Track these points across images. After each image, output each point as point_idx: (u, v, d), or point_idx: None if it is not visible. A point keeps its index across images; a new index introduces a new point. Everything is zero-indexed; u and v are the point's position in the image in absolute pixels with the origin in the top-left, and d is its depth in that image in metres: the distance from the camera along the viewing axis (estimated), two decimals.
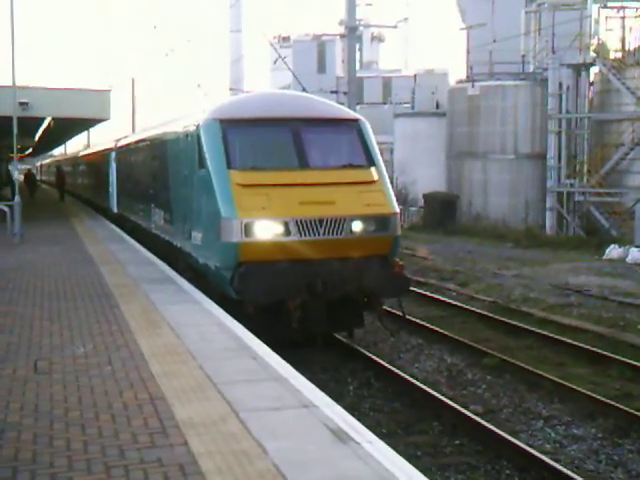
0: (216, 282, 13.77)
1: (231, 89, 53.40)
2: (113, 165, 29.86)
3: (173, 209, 16.99)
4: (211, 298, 12.84)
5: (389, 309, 16.21)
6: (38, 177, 74.28)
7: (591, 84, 38.50)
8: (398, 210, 13.91)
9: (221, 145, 13.52)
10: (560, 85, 37.38)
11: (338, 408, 7.16)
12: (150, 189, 20.33)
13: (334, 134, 14.40)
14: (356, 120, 14.64)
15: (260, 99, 15.42)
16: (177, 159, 16.38)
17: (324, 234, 12.95)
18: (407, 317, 15.54)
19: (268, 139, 13.86)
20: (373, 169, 13.94)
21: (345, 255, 13.17)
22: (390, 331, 15.33)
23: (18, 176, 27.77)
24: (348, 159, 14.18)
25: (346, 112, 15.37)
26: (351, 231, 13.13)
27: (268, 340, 9.91)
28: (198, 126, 14.23)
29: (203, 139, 13.87)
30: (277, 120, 13.94)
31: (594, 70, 38.16)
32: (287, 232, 12.80)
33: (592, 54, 37.16)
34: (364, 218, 13.25)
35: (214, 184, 13.25)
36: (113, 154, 29.90)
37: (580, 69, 37.36)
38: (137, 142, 23.61)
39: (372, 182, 13.76)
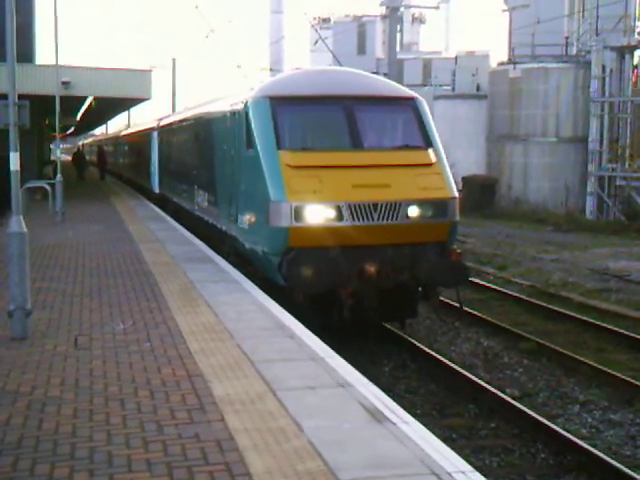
0: (263, 268, 13.28)
1: (271, 70, 53.40)
2: (155, 145, 29.76)
3: (218, 191, 16.44)
4: (257, 284, 12.46)
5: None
6: None
7: (635, 67, 37.96)
8: (457, 194, 13.16)
9: (270, 124, 12.92)
10: (603, 68, 36.86)
11: (374, 388, 7.19)
12: (194, 170, 19.88)
13: (389, 113, 13.78)
14: (412, 98, 13.91)
15: (311, 76, 14.59)
16: (223, 139, 15.82)
17: (378, 219, 12.37)
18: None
19: (320, 118, 13.31)
20: (430, 151, 13.27)
21: (400, 241, 12.60)
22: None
23: (60, 154, 27.92)
24: (404, 140, 13.55)
25: (402, 90, 14.46)
26: (407, 216, 12.54)
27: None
28: (246, 104, 13.64)
29: (252, 118, 13.28)
30: (329, 98, 13.32)
31: (638, 53, 37.62)
32: (339, 217, 12.22)
33: (637, 36, 36.61)
34: (421, 202, 12.63)
35: (263, 165, 12.67)
36: (155, 133, 29.80)
37: (624, 52, 36.81)
38: (181, 121, 23.18)
39: (429, 164, 13.09)
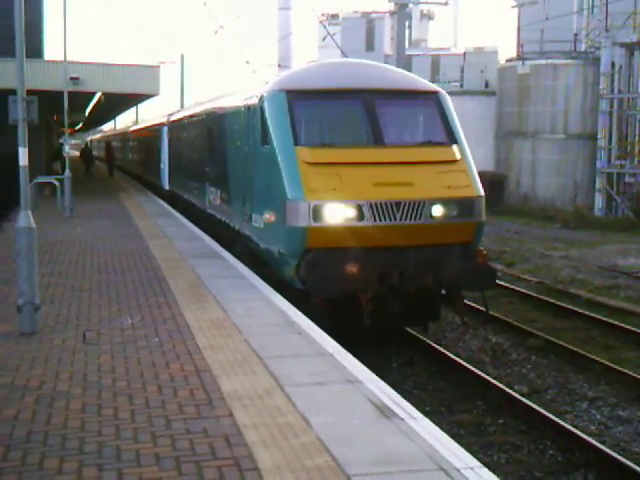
0: (279, 270, 12.63)
1: (279, 66, 53.37)
2: (165, 140, 29.34)
3: (231, 188, 15.83)
4: (272, 286, 11.97)
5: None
6: None
7: None
8: (483, 193, 12.48)
9: (287, 119, 12.31)
10: (612, 64, 36.78)
11: (382, 384, 7.18)
12: (206, 166, 19.27)
13: (412, 107, 13.18)
14: (436, 92, 13.26)
15: (330, 68, 13.86)
16: (237, 134, 15.22)
17: (401, 219, 11.72)
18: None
19: (339, 112, 12.71)
20: (455, 147, 12.66)
21: (423, 243, 11.97)
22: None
23: (69, 150, 27.95)
24: (427, 135, 12.97)
25: (424, 83, 13.72)
26: (431, 216, 11.89)
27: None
28: (261, 98, 13.04)
29: (267, 112, 12.68)
30: (349, 91, 12.71)
31: None
32: (360, 216, 11.59)
33: None
34: (445, 202, 11.99)
35: (279, 162, 12.05)
36: (165, 129, 29.43)
37: (633, 48, 36.69)
38: (192, 116, 22.68)
39: (454, 161, 12.47)
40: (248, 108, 14.12)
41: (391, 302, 12.00)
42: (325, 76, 13.23)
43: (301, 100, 12.53)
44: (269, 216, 12.72)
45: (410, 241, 11.94)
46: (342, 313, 12.06)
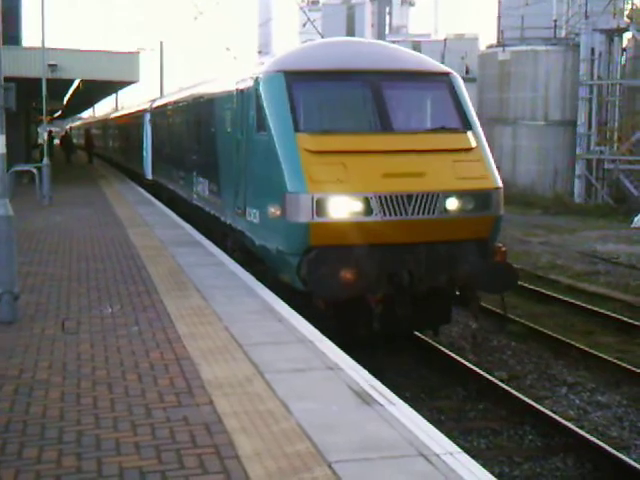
0: (277, 269, 11.63)
1: (259, 52, 53.26)
2: (148, 127, 28.57)
3: (222, 179, 14.68)
4: (268, 286, 11.12)
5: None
6: None
7: (624, 50, 38.00)
8: (501, 184, 11.59)
9: (286, 103, 11.25)
10: (592, 51, 36.88)
11: (363, 371, 7.19)
12: (193, 154, 18.17)
13: (422, 90, 12.21)
14: (447, 74, 12.23)
15: (332, 47, 12.77)
16: (228, 120, 14.11)
17: (412, 213, 10.72)
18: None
19: (343, 96, 11.72)
20: (470, 134, 11.67)
21: (436, 239, 11.00)
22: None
23: (46, 138, 27.77)
24: (439, 121, 11.99)
25: (435, 64, 12.66)
26: (445, 210, 10.92)
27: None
28: (257, 80, 11.95)
29: (264, 95, 11.61)
30: (354, 73, 11.70)
31: (627, 36, 37.67)
32: (368, 210, 10.58)
33: (626, 19, 36.65)
34: (461, 194, 11.01)
35: (278, 150, 11.01)
36: (148, 115, 28.73)
37: (613, 35, 36.85)
38: (177, 102, 21.72)
39: (469, 149, 11.52)
40: (241, 91, 13.04)
41: (401, 304, 11.07)
42: (327, 56, 12.20)
43: (301, 82, 11.49)
44: (266, 210, 11.60)
45: (422, 237, 10.98)
46: (348, 317, 11.20)
